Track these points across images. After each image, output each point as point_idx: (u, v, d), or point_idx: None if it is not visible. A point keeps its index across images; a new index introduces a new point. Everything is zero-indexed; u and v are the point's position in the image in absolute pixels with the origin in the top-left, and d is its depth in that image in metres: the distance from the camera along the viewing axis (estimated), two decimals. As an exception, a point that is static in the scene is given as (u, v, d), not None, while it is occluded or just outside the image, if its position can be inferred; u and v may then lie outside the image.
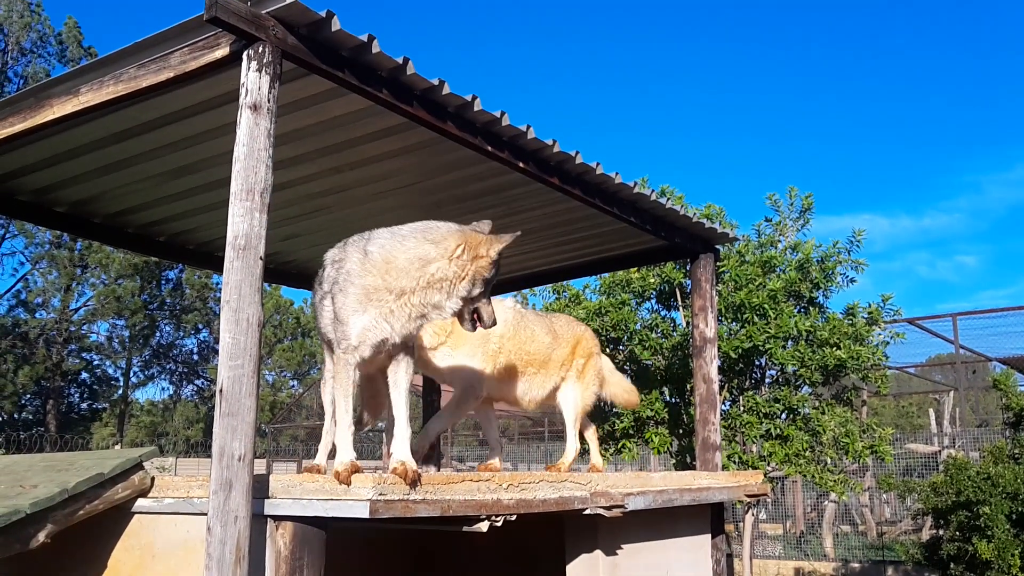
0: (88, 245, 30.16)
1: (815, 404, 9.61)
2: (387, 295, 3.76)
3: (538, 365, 5.61)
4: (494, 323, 4.06)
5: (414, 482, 3.61)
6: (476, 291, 3.87)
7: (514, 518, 4.08)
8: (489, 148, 4.85)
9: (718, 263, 7.48)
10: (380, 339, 3.80)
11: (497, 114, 4.68)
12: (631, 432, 9.61)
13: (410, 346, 3.96)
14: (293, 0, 3.55)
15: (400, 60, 4.08)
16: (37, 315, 31.50)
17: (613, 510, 4.76)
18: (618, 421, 9.60)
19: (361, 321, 3.75)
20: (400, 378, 3.95)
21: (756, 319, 9.13)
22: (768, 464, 9.09)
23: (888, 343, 10.06)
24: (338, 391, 3.83)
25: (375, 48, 3.92)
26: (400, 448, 3.78)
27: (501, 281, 8.29)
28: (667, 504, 5.39)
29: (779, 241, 10.42)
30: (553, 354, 5.69)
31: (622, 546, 5.26)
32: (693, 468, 7.57)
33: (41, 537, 3.81)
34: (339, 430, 3.83)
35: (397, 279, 3.75)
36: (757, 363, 9.61)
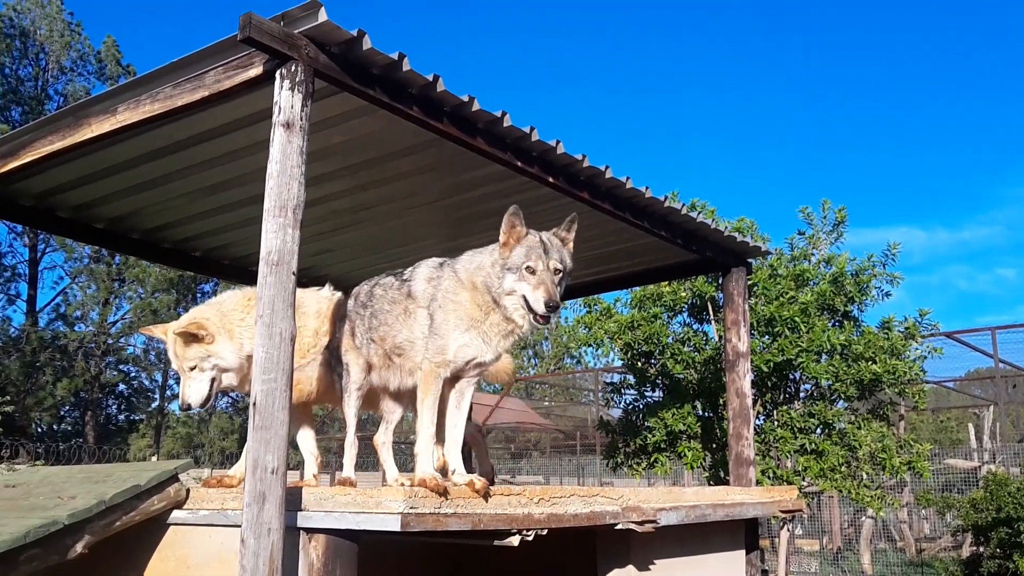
0: (125, 260, 30.67)
1: (851, 419, 9.49)
2: (478, 311, 3.96)
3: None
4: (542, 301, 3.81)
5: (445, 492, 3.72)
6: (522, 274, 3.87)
7: (545, 532, 4.07)
8: (519, 163, 4.88)
9: (749, 276, 7.44)
10: (472, 356, 4.01)
11: (527, 129, 4.70)
12: (663, 446, 9.56)
13: (481, 373, 4.21)
14: (325, 20, 3.60)
15: (430, 77, 4.11)
16: (76, 328, 32.02)
17: (645, 525, 4.73)
18: (650, 435, 9.55)
19: (461, 338, 3.96)
20: (465, 400, 4.16)
21: (788, 332, 9.05)
22: (803, 479, 8.99)
23: (925, 357, 9.92)
24: (426, 403, 3.94)
25: (406, 66, 3.97)
26: (457, 464, 3.99)
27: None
28: (700, 520, 5.34)
29: (812, 255, 10.33)
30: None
31: (655, 561, 5.23)
32: (727, 483, 7.50)
33: (79, 548, 3.87)
34: (421, 441, 3.90)
35: (483, 294, 3.94)
36: (791, 377, 9.52)
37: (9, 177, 5.11)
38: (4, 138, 5.02)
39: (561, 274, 3.91)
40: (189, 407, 4.58)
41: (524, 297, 3.85)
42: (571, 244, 4.06)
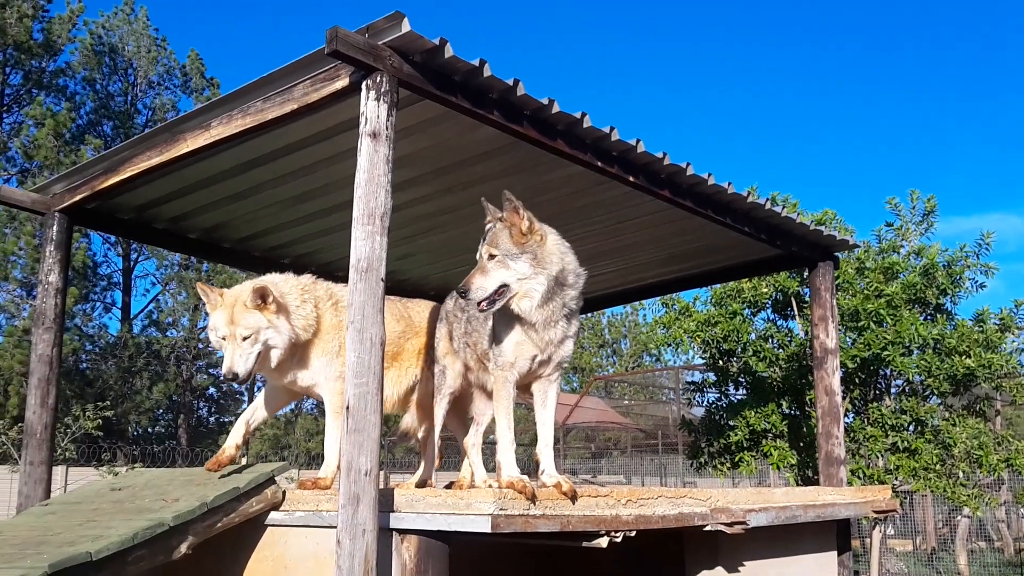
0: (214, 266, 31.57)
1: (945, 415, 9.20)
2: None
3: (388, 359, 4.58)
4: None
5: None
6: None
7: (633, 534, 4.07)
8: (599, 164, 4.88)
9: (836, 271, 7.28)
10: (531, 353, 3.94)
11: (607, 130, 4.70)
12: (747, 445, 9.41)
13: (562, 366, 4.09)
14: (408, 30, 3.67)
15: (511, 82, 4.15)
16: (168, 334, 33.10)
17: (735, 527, 4.69)
18: (732, 434, 9.42)
19: (514, 336, 3.93)
20: (550, 399, 4.09)
21: (873, 326, 8.81)
22: (895, 479, 8.75)
23: (1023, 350, 9.55)
24: (500, 410, 3.95)
25: (487, 71, 4.01)
26: (547, 464, 3.97)
27: (611, 295, 8.30)
28: (790, 521, 5.26)
29: (902, 246, 10.04)
30: (407, 344, 4.96)
31: (744, 563, 5.17)
32: (814, 482, 7.36)
33: (183, 548, 4.02)
34: (502, 446, 3.92)
35: None
36: (881, 373, 9.27)
37: (110, 192, 5.35)
38: (104, 155, 5.26)
39: (497, 257, 3.76)
40: (235, 376, 4.25)
41: None
42: (520, 222, 3.80)
